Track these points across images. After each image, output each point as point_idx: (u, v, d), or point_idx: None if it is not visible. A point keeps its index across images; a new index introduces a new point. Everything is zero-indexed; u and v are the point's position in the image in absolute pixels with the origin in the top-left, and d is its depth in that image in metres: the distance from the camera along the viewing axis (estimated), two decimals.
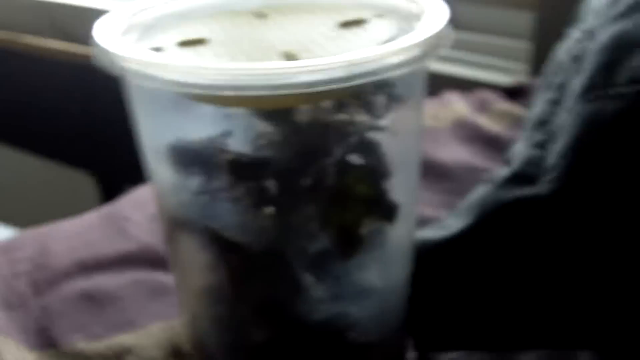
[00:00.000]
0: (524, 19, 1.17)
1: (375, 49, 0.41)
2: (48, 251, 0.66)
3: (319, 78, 0.39)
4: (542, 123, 0.56)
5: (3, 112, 1.93)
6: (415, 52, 0.42)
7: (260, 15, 0.51)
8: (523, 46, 1.18)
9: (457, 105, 0.91)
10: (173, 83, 0.40)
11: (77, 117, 1.78)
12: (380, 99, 0.46)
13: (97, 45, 0.44)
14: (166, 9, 0.52)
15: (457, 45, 1.35)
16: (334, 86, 0.39)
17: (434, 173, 0.77)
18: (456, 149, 0.81)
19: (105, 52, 0.43)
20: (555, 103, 0.56)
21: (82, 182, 1.83)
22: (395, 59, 0.41)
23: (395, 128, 0.47)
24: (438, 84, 1.12)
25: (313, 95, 0.42)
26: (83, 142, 1.79)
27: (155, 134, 0.48)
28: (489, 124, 0.84)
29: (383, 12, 0.50)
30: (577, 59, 0.56)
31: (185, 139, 0.47)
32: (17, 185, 1.96)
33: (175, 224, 0.49)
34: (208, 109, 0.45)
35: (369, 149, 0.47)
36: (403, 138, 0.48)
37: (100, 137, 1.74)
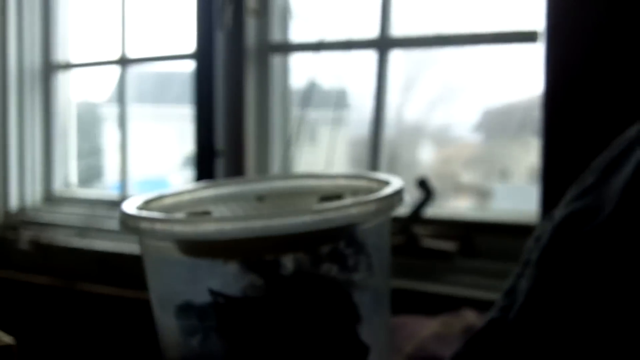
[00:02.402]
0: None
1: (338, 202, 0.50)
2: None
3: (288, 222, 0.48)
4: (508, 292, 0.64)
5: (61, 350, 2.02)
6: (371, 207, 0.51)
7: (260, 198, 0.62)
8: None
9: (468, 316, 0.97)
10: (170, 234, 0.50)
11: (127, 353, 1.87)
12: (351, 257, 0.55)
13: (120, 213, 0.54)
14: (186, 196, 0.63)
15: (479, 272, 1.45)
16: (302, 229, 0.49)
17: None
18: None
19: (124, 216, 0.54)
20: (520, 276, 0.64)
21: None
22: (354, 210, 0.50)
23: (365, 282, 0.55)
24: (460, 305, 1.19)
25: (288, 242, 0.51)
26: None
27: (162, 290, 0.57)
28: None
29: (358, 191, 0.60)
30: (538, 238, 0.65)
31: (187, 296, 0.55)
32: None
33: None
34: (206, 267, 0.54)
35: (341, 298, 0.54)
36: (373, 290, 0.56)
37: None
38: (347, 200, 0.52)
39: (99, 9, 2.49)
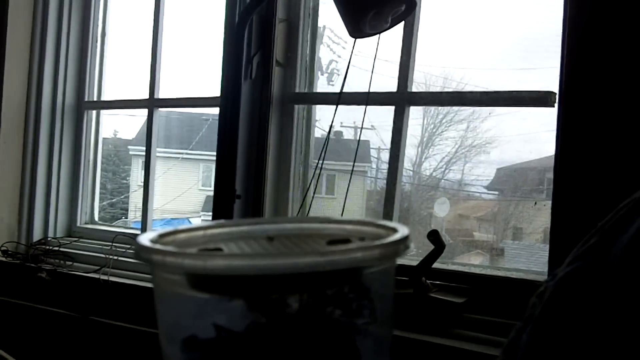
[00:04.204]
0: None
1: (344, 246, 0.52)
2: None
3: (294, 262, 0.50)
4: (507, 347, 0.65)
5: None
6: (375, 252, 0.53)
7: (270, 238, 0.64)
8: None
9: None
10: (180, 267, 0.52)
11: None
12: (355, 301, 0.56)
13: (135, 244, 0.56)
14: (199, 233, 0.65)
15: (485, 327, 1.44)
16: (308, 270, 0.50)
17: None
18: None
19: (138, 247, 0.56)
20: (521, 331, 0.65)
21: None
22: (359, 254, 0.52)
23: (367, 327, 0.56)
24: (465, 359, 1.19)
25: (293, 282, 0.52)
26: None
27: (170, 323, 0.58)
28: None
29: (366, 237, 0.61)
30: (540, 294, 0.66)
31: (193, 330, 0.56)
32: None
33: None
34: (213, 303, 0.56)
35: (343, 341, 0.55)
36: (375, 336, 0.57)
37: None
38: (353, 244, 0.53)
39: (132, 51, 2.56)
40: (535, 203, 1.70)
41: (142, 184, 2.32)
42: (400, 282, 1.55)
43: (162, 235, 0.62)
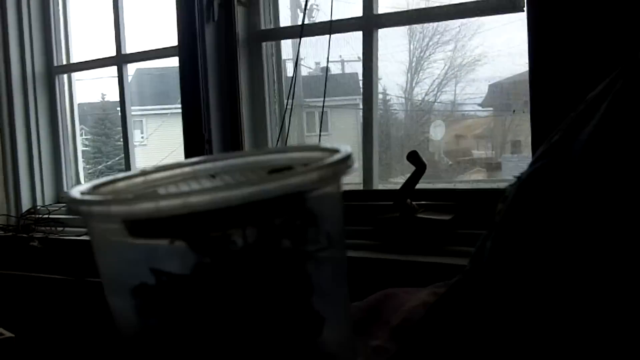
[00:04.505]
0: None
1: (280, 173, 0.49)
2: None
3: (225, 194, 0.47)
4: (474, 254, 0.63)
5: None
6: (313, 175, 0.50)
7: (212, 176, 0.61)
8: None
9: None
10: (106, 215, 0.50)
11: None
12: (302, 228, 0.54)
13: (67, 197, 0.54)
14: (139, 179, 0.62)
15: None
16: (241, 201, 0.47)
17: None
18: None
19: (68, 200, 0.53)
20: (486, 237, 0.63)
21: None
22: (295, 180, 0.49)
23: (318, 253, 0.54)
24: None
25: (231, 216, 0.49)
26: None
27: (113, 273, 0.56)
28: None
29: (310, 162, 0.59)
30: (505, 199, 0.64)
31: (139, 278, 0.54)
32: None
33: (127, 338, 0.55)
34: (156, 248, 0.53)
35: (293, 270, 0.53)
36: (327, 262, 0.54)
37: None
38: (290, 171, 0.50)
39: (96, 9, 2.50)
40: (514, 111, 1.68)
41: (136, 143, 2.30)
42: (386, 207, 1.53)
43: (97, 186, 0.59)
